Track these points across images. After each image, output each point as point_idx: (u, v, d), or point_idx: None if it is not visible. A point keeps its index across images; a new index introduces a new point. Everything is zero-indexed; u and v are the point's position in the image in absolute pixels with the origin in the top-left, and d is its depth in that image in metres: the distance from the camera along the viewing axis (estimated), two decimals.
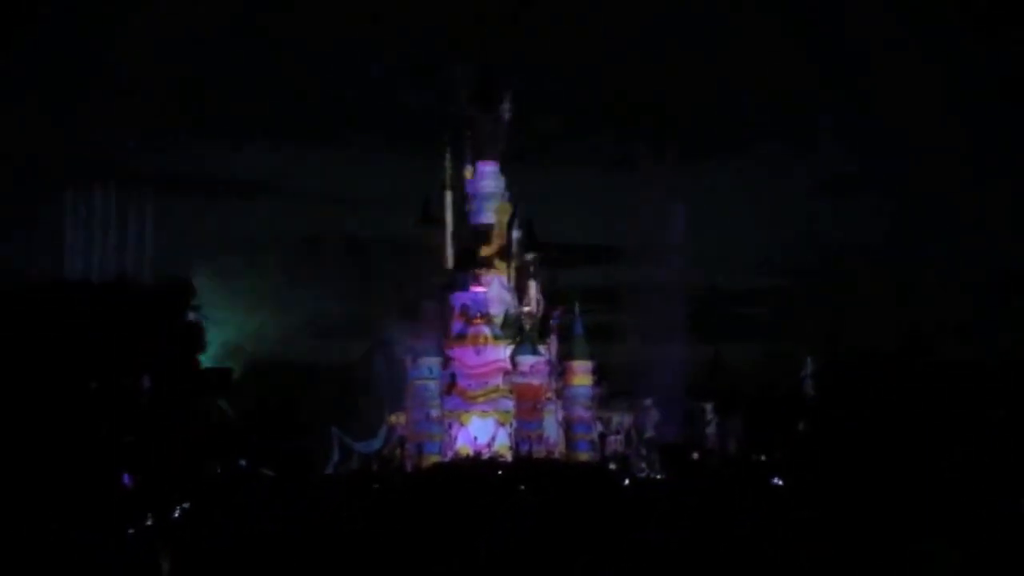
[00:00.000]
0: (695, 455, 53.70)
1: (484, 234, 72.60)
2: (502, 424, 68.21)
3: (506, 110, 71.99)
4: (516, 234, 73.55)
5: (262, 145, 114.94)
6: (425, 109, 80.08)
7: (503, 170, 73.28)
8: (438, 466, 62.36)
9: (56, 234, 59.50)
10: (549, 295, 73.97)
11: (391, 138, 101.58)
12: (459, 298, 70.45)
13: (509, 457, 65.31)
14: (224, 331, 52.46)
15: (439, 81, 74.51)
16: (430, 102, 77.49)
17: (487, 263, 71.98)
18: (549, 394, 70.08)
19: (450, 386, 68.52)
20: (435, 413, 67.55)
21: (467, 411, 68.42)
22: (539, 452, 66.17)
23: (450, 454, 66.33)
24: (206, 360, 42.59)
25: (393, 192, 76.54)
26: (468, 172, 73.28)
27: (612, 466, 66.45)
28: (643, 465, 68.06)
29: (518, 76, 74.79)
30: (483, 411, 68.37)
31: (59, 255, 53.57)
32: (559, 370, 71.33)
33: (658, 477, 65.29)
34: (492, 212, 72.53)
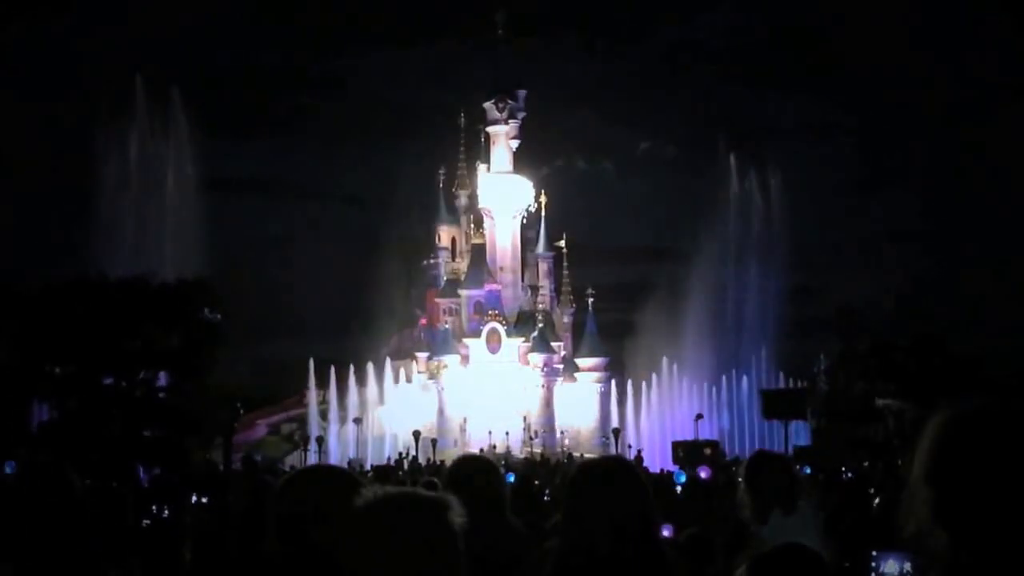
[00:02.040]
0: (707, 451, 53.93)
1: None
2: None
3: (520, 108, 72.22)
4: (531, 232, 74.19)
5: (275, 144, 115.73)
6: (443, 107, 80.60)
7: (517, 167, 73.35)
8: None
9: (79, 232, 60.34)
10: (562, 293, 74.46)
11: (406, 137, 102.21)
12: (473, 295, 70.97)
13: (522, 453, 65.71)
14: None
15: (458, 78, 74.95)
16: (449, 100, 78.03)
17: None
18: (562, 390, 70.58)
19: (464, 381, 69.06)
20: (449, 409, 68.16)
21: (480, 407, 68.90)
22: (552, 448, 66.56)
23: (464, 450, 66.77)
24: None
25: (410, 190, 77.14)
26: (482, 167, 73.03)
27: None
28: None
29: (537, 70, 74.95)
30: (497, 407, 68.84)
31: (83, 253, 54.32)
32: (572, 366, 71.82)
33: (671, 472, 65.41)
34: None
